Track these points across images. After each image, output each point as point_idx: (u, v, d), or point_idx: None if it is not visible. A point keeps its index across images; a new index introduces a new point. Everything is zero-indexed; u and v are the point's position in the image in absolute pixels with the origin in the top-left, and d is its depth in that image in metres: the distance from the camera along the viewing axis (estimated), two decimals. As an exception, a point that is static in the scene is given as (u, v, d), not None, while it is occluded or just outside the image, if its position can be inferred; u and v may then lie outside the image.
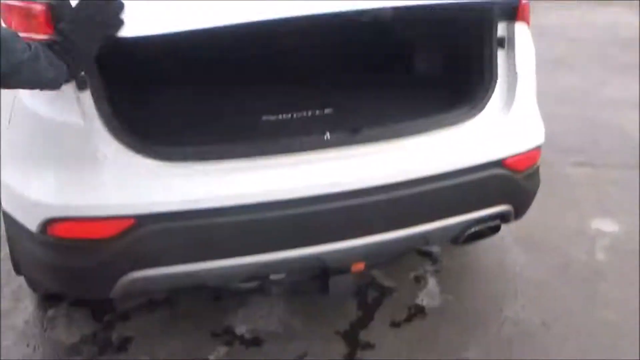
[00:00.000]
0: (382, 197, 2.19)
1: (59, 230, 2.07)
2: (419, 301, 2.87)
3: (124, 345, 2.63)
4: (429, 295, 2.91)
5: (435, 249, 3.16)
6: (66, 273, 2.16)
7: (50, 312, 2.78)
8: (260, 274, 2.24)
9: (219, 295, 2.86)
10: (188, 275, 2.14)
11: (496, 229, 2.55)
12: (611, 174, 4.00)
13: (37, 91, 1.85)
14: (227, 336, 2.66)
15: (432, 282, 2.99)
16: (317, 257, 2.22)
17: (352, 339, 2.64)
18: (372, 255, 2.34)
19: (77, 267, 2.11)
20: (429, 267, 3.08)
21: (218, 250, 2.13)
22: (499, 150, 2.38)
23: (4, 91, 2.02)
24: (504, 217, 2.51)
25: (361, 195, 2.17)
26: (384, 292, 2.90)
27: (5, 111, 2.11)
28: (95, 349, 2.61)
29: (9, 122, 2.10)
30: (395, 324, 2.73)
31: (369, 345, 2.61)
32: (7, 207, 2.22)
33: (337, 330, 2.69)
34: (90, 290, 2.27)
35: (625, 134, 4.47)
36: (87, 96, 1.97)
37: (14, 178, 2.14)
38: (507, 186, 2.42)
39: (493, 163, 2.35)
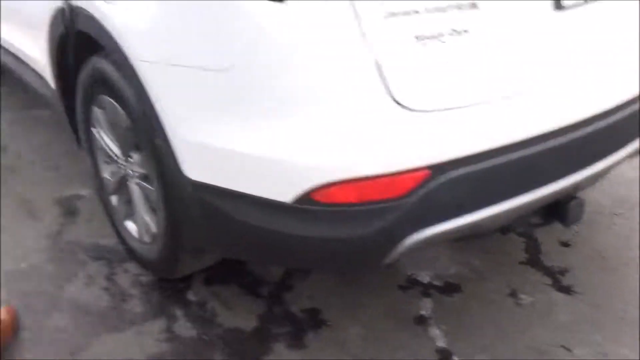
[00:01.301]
0: (615, 118, 2.09)
1: (331, 196, 1.71)
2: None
3: (315, 318, 2.29)
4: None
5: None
6: (330, 247, 1.80)
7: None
8: (532, 210, 2.04)
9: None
10: (473, 225, 1.86)
11: None
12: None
13: None
14: (418, 287, 2.41)
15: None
16: (576, 185, 2.06)
17: (539, 265, 2.53)
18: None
19: (351, 237, 1.76)
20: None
21: (505, 192, 1.88)
22: None
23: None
24: None
25: (604, 118, 2.05)
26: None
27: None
28: (292, 330, 2.23)
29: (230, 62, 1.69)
30: (564, 244, 2.66)
31: (565, 270, 2.51)
32: (220, 180, 1.81)
33: (519, 260, 2.56)
34: (360, 262, 1.91)
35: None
36: None
37: (244, 139, 1.73)
38: None
39: None
